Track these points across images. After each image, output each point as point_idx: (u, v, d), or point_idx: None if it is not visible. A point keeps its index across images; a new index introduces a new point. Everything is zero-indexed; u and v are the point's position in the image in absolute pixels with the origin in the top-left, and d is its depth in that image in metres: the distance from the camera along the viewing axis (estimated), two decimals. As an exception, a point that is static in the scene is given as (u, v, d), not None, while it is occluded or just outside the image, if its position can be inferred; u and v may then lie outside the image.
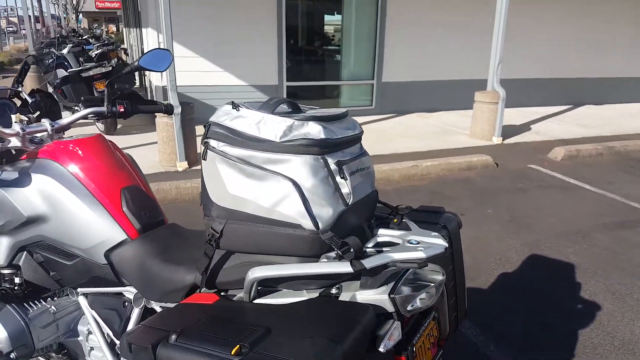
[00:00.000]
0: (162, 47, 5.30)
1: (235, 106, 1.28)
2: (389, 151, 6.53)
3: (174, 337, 1.08)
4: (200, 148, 5.64)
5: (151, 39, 7.80)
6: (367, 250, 1.27)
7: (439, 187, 5.45)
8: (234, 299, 1.37)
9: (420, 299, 1.20)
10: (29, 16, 16.76)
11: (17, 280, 1.78)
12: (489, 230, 4.24)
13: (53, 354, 1.86)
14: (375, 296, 1.19)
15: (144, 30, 9.16)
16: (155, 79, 8.08)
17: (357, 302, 1.19)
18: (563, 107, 10.82)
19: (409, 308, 1.19)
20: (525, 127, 8.52)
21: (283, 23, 8.20)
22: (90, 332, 1.75)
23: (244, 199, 1.22)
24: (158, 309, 1.58)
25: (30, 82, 9.99)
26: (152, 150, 6.04)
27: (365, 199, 1.32)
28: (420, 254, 1.16)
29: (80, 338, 1.79)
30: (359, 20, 8.93)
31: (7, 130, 1.67)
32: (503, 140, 7.46)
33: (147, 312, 1.64)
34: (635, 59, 11.72)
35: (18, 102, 1.95)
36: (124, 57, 13.21)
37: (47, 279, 1.80)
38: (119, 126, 7.37)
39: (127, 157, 1.85)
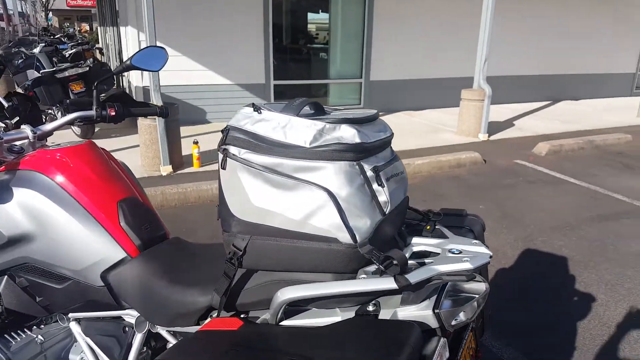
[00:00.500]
0: (147, 45, 5.19)
1: (256, 108, 1.16)
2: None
3: None
4: (186, 151, 5.45)
5: (131, 37, 7.65)
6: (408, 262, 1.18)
7: (431, 185, 5.49)
8: (257, 321, 1.24)
9: (464, 313, 1.11)
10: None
11: None
12: (482, 226, 4.27)
13: None
14: (419, 312, 1.09)
15: (122, 29, 8.99)
16: (135, 79, 7.92)
17: (400, 320, 1.09)
18: (543, 103, 11.00)
19: (453, 323, 1.10)
20: (508, 124, 8.62)
21: (269, 21, 8.16)
22: None
23: (270, 211, 1.11)
24: (164, 334, 1.45)
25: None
26: (134, 154, 5.84)
27: (399, 207, 1.21)
28: (467, 265, 1.06)
29: None
30: (346, 18, 8.93)
31: None
32: (489, 136, 7.55)
33: (150, 337, 1.51)
34: (609, 56, 11.98)
35: None
36: (99, 56, 12.90)
37: (33, 305, 1.59)
38: (96, 129, 7.10)
39: (121, 165, 1.68)
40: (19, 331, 1.63)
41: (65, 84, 6.78)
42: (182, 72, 7.70)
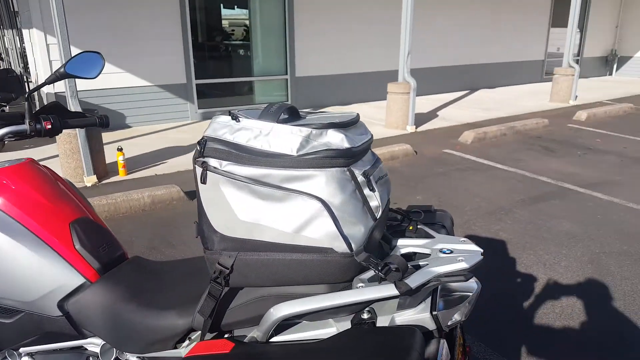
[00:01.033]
0: (59, 49, 4.85)
1: (234, 117, 1.10)
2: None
3: None
4: (109, 159, 5.18)
5: (37, 41, 7.14)
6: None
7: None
8: (245, 339, 1.19)
9: (459, 312, 1.10)
10: None
11: None
12: (422, 216, 4.33)
13: None
14: (417, 316, 1.09)
15: (25, 32, 8.37)
16: (45, 86, 7.39)
17: (401, 326, 1.07)
18: (462, 93, 11.43)
19: (449, 323, 1.09)
20: (432, 114, 8.86)
21: (187, 18, 7.90)
22: None
23: (259, 225, 1.05)
24: None
25: None
26: (53, 165, 5.49)
27: (385, 209, 1.18)
28: (463, 265, 1.06)
29: None
30: (265, 14, 8.81)
31: None
32: (416, 128, 7.72)
33: None
34: (518, 44, 12.64)
35: None
36: (-2, 63, 11.98)
37: None
38: (5, 142, 6.61)
39: (67, 182, 1.57)
40: None
41: None
42: (98, 76, 7.25)
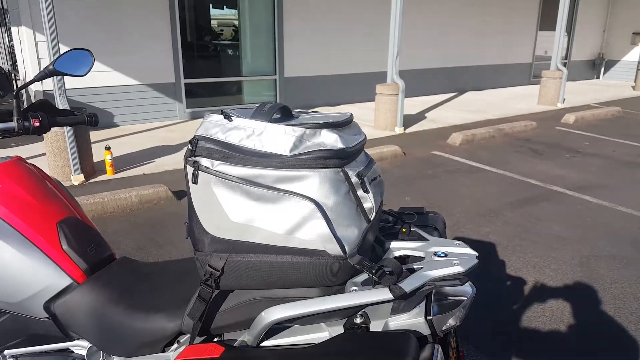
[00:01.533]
0: (48, 47, 4.78)
1: (226, 116, 1.07)
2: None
3: None
4: (97, 157, 5.14)
5: (26, 38, 7.05)
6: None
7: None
8: (235, 343, 1.17)
9: (453, 317, 1.08)
10: None
11: None
12: (412, 218, 4.33)
13: None
14: (411, 320, 1.06)
15: (14, 29, 8.28)
16: (34, 84, 7.30)
17: (395, 331, 1.06)
18: (450, 95, 11.48)
19: (443, 328, 1.07)
20: (421, 116, 8.88)
21: (176, 17, 7.85)
22: None
23: (251, 226, 1.03)
24: None
25: None
26: (41, 163, 5.34)
27: (378, 211, 1.16)
28: (459, 269, 1.04)
29: None
30: (255, 14, 8.78)
31: None
32: (405, 129, 7.72)
33: None
34: (506, 47, 12.73)
35: None
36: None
37: None
38: (-5, 139, 6.51)
39: (55, 181, 1.54)
40: None
41: None
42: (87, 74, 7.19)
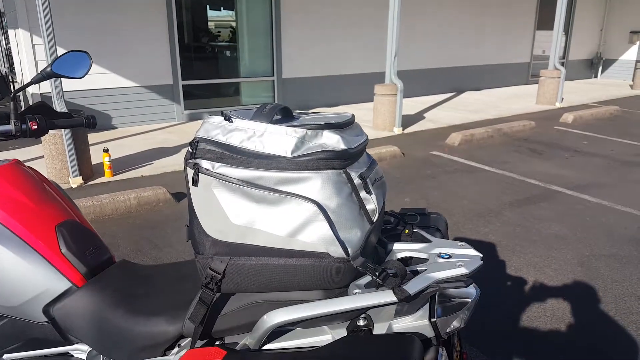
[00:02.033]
0: (45, 49, 4.77)
1: (227, 117, 1.07)
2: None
3: None
4: (95, 160, 5.13)
5: (23, 40, 7.04)
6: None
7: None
8: (237, 347, 1.15)
9: (457, 319, 1.06)
10: None
11: None
12: (411, 218, 4.32)
13: None
14: (415, 323, 1.05)
15: (11, 32, 8.26)
16: (32, 86, 7.29)
17: (399, 334, 1.04)
18: (448, 95, 11.47)
19: (447, 330, 1.06)
20: (419, 116, 8.88)
21: (174, 19, 7.83)
22: None
23: (252, 229, 1.02)
24: None
25: None
26: (39, 166, 5.41)
27: (381, 213, 1.15)
28: (463, 270, 1.03)
29: None
30: (252, 15, 8.76)
31: None
32: (403, 130, 7.72)
33: None
34: (504, 47, 12.74)
35: None
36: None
37: None
38: (-8, 142, 6.52)
39: (53, 184, 1.53)
40: None
41: None
42: (84, 76, 7.17)
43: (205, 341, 1.19)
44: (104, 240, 3.74)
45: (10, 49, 9.04)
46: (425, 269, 1.06)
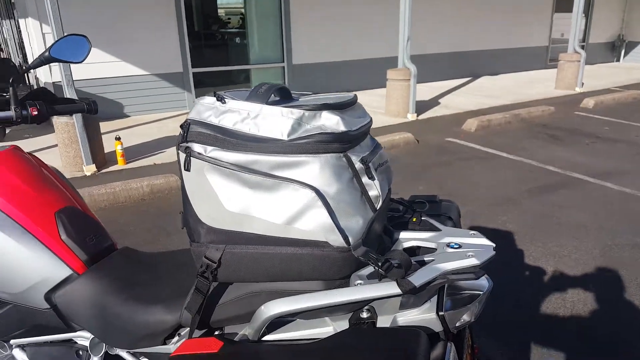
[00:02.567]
0: (53, 36, 4.73)
1: (219, 98, 1.01)
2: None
3: None
4: (107, 148, 5.12)
5: (33, 30, 7.03)
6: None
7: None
8: (236, 338, 1.12)
9: (468, 313, 1.00)
10: None
11: None
12: (426, 206, 4.23)
13: None
14: (421, 316, 0.99)
15: (21, 21, 8.24)
16: (43, 75, 7.30)
17: (403, 328, 0.98)
18: (464, 80, 11.26)
19: (457, 324, 1.00)
20: (434, 102, 8.72)
21: (182, 7, 7.77)
22: None
23: (248, 216, 0.97)
24: (125, 355, 1.30)
25: None
26: (52, 154, 5.42)
27: (385, 200, 1.08)
28: (473, 261, 0.96)
29: None
30: (261, 1, 8.65)
31: None
32: (417, 116, 7.58)
33: (108, 359, 1.36)
34: (521, 30, 12.45)
35: None
36: (-1, 54, 11.89)
37: None
38: (7, 130, 6.50)
39: (53, 170, 1.51)
40: None
41: None
42: (94, 65, 7.17)
43: (204, 331, 1.16)
44: (117, 227, 3.74)
45: (22, 40, 9.05)
46: (433, 260, 1.00)
